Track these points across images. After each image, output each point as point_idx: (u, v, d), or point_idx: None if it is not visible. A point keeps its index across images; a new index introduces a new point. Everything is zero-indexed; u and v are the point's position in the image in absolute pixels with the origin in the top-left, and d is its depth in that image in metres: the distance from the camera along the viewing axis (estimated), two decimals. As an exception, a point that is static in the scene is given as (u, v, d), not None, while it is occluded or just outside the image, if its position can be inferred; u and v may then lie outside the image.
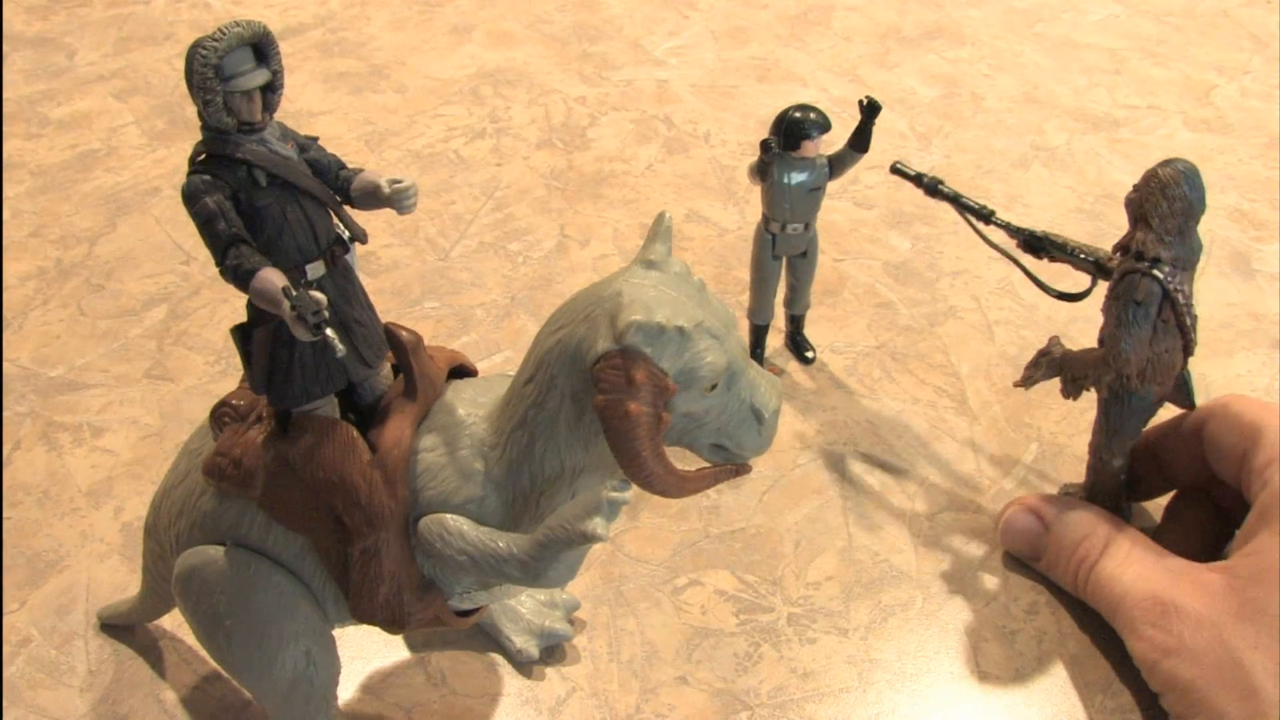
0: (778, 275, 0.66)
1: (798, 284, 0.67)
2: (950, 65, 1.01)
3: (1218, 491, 0.56)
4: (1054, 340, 0.55)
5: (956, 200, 0.58)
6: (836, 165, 0.62)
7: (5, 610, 0.55)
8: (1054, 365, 0.54)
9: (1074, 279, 0.55)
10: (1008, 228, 0.56)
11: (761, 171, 0.61)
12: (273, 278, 0.35)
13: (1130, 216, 0.50)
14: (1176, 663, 0.48)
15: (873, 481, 0.62)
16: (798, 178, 0.61)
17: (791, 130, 0.59)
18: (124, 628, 0.54)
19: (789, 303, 0.68)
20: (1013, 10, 1.10)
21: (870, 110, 0.59)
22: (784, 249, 0.64)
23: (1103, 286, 0.53)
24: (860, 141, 0.60)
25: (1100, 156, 0.89)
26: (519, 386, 0.41)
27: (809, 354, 0.69)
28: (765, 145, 0.60)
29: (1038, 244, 0.55)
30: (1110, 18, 1.10)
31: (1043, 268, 0.56)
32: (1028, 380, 0.56)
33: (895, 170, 0.61)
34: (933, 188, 0.59)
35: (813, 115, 0.59)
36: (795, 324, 0.70)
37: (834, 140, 0.61)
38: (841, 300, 0.75)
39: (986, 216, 0.57)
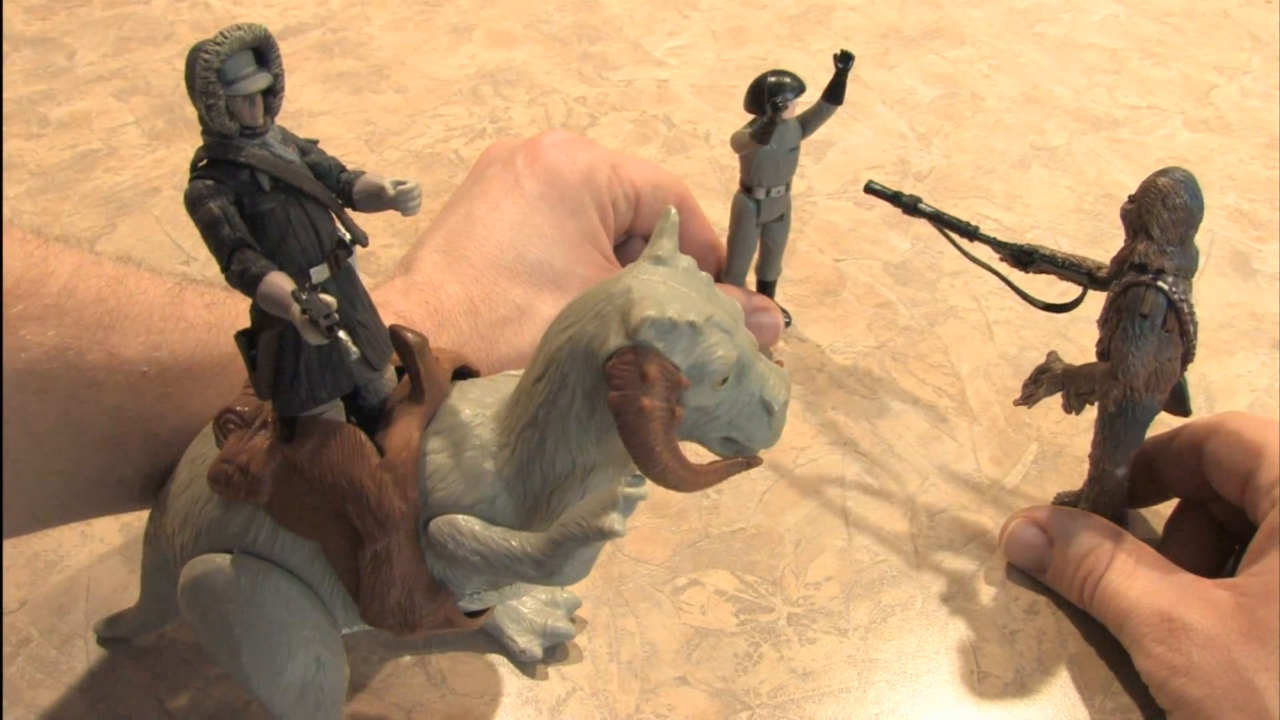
0: (756, 242, 0.67)
1: (774, 247, 0.68)
2: (950, 65, 1.01)
3: (1214, 506, 0.56)
4: (1052, 356, 0.54)
5: (938, 218, 0.57)
6: (811, 120, 0.63)
7: (5, 610, 0.55)
8: (1055, 381, 0.53)
9: (1062, 288, 0.55)
10: (993, 243, 0.56)
11: (763, 135, 0.62)
12: (280, 282, 0.35)
13: (1128, 228, 0.50)
14: (1185, 681, 0.47)
15: (873, 481, 0.62)
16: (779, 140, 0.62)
17: (774, 95, 0.60)
18: (123, 640, 0.54)
19: (762, 268, 0.69)
20: (1013, 10, 1.10)
21: (844, 61, 0.60)
22: (767, 214, 0.65)
23: (1093, 296, 0.53)
24: (835, 94, 0.61)
25: (1100, 156, 0.89)
26: (528, 385, 0.41)
27: (786, 321, 0.70)
28: (775, 106, 0.60)
29: (1026, 257, 0.55)
30: (1110, 18, 1.10)
31: (1031, 276, 0.56)
32: (1029, 399, 0.55)
33: (870, 190, 0.61)
34: (912, 206, 0.59)
35: (787, 79, 0.61)
36: (767, 290, 0.70)
37: (807, 103, 0.63)
38: (841, 300, 0.75)
39: (971, 233, 0.57)
